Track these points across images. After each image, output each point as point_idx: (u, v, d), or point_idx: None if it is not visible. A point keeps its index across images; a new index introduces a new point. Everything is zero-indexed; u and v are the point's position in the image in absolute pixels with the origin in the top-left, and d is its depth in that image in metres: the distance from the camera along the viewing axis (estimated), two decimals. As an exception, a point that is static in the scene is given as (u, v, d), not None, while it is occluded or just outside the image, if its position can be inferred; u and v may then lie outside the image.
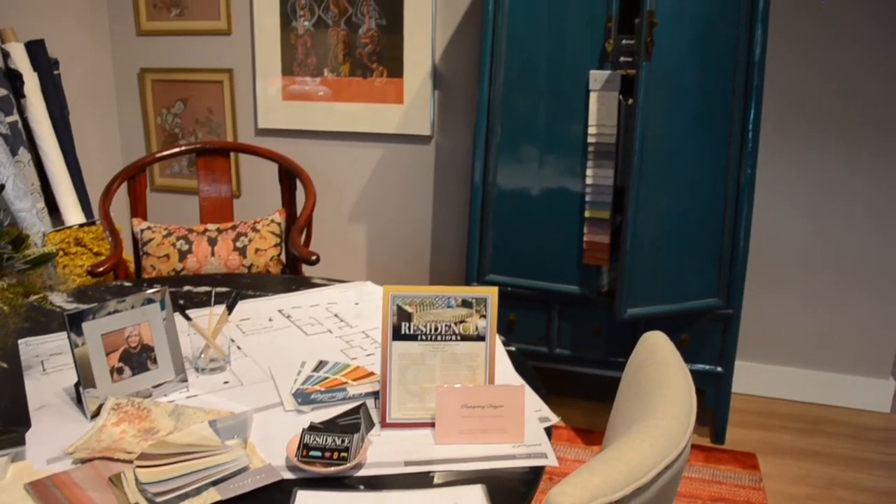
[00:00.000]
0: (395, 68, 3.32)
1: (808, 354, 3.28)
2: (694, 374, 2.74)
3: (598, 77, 2.53)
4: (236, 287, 2.11)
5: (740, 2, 2.46)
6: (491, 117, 2.69)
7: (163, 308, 1.49)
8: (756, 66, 2.47)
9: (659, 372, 1.27)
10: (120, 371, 1.42)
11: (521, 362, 1.66)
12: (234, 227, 2.70)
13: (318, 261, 2.52)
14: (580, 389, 3.33)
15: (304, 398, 1.45)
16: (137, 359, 1.45)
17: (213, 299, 1.78)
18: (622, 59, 2.53)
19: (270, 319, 1.90)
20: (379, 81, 3.36)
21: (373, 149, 3.48)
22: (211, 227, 2.70)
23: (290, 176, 2.91)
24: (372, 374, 1.56)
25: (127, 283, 2.20)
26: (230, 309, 1.66)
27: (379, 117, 3.39)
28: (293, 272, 2.76)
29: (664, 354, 1.29)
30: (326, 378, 1.54)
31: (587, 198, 2.62)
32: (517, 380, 1.57)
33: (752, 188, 2.56)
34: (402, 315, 1.38)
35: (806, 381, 3.30)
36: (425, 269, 3.56)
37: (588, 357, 2.89)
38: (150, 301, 1.47)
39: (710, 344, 2.77)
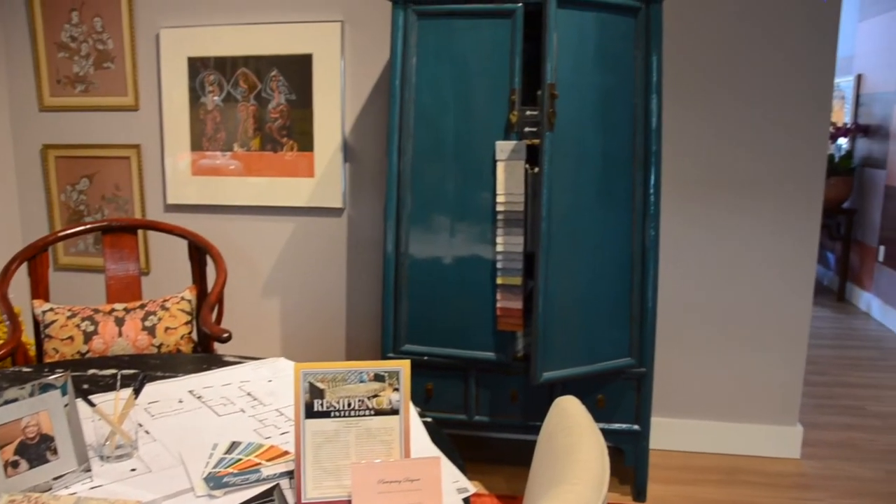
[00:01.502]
0: (305, 142, 3.35)
1: (720, 407, 3.38)
2: (612, 432, 2.82)
3: (504, 147, 2.61)
4: (145, 368, 2.04)
5: (635, 74, 2.60)
6: (401, 188, 2.72)
7: (64, 394, 1.43)
8: (654, 132, 2.60)
9: (571, 437, 1.28)
10: (15, 465, 1.35)
11: (437, 433, 1.65)
12: (142, 306, 2.63)
13: (229, 338, 2.47)
14: (501, 455, 3.32)
15: (216, 482, 1.41)
16: (35, 450, 1.38)
17: (118, 382, 1.72)
18: (527, 129, 2.62)
19: (181, 401, 1.85)
20: (290, 155, 3.37)
21: (285, 222, 3.47)
22: (118, 306, 2.62)
23: (200, 252, 2.87)
24: (287, 453, 1.52)
25: (26, 369, 2.11)
26: (137, 392, 1.61)
27: (290, 191, 3.39)
28: (205, 350, 2.70)
29: (576, 418, 1.31)
30: (239, 460, 1.50)
31: (499, 265, 2.67)
32: (434, 451, 1.56)
33: (656, 249, 2.66)
34: (315, 392, 1.36)
35: (720, 434, 3.38)
36: (341, 341, 3.53)
37: (507, 423, 2.89)
38: (50, 387, 1.41)
39: (625, 403, 2.82)
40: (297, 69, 3.32)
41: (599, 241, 2.62)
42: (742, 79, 3.11)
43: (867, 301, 6.14)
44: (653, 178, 2.61)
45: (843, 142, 6.75)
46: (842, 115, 6.84)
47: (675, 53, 3.08)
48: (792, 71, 3.09)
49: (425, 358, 2.80)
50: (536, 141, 2.57)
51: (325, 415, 1.37)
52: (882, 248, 5.97)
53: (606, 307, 2.67)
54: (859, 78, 6.59)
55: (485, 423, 2.90)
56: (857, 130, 6.45)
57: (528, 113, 2.62)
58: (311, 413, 1.36)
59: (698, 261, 3.26)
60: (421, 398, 2.85)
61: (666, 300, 3.23)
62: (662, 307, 3.21)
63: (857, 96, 6.59)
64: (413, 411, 1.69)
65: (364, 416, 1.38)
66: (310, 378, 1.36)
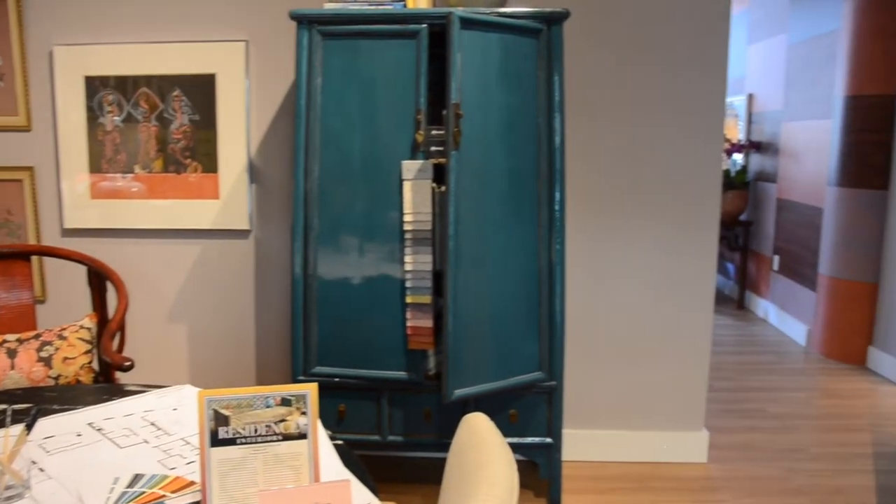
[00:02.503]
0: (209, 163, 3.28)
1: (629, 417, 3.46)
2: (525, 446, 2.85)
3: (410, 167, 2.62)
4: (39, 402, 1.95)
5: (538, 93, 2.67)
6: (308, 209, 2.70)
7: (-52, 435, 1.35)
8: (557, 150, 2.66)
9: (480, 453, 1.30)
10: None
11: (348, 455, 1.64)
12: (37, 336, 2.52)
13: (132, 366, 2.39)
14: (417, 474, 3.31)
15: (116, 518, 1.36)
16: (-83, 496, 1.30)
17: (8, 418, 1.64)
18: (433, 148, 2.65)
19: (79, 434, 1.77)
20: (194, 177, 3.30)
21: (190, 245, 3.38)
22: (10, 337, 2.50)
23: (99, 278, 2.77)
24: (193, 483, 1.48)
25: None
26: (29, 427, 1.54)
27: (195, 213, 3.32)
28: (107, 380, 2.60)
29: (484, 435, 1.32)
30: (143, 493, 1.45)
31: (408, 283, 2.67)
32: (345, 474, 1.55)
33: (563, 263, 2.72)
34: (220, 419, 1.33)
35: (631, 442, 3.47)
36: (251, 365, 3.46)
37: (421, 441, 2.89)
38: (-69, 429, 1.34)
39: (538, 416, 2.86)
40: (201, 89, 3.25)
41: (507, 257, 2.66)
42: (642, 99, 3.23)
43: (765, 308, 6.43)
44: (558, 194, 2.68)
45: (738, 157, 7.06)
46: (736, 132, 7.16)
47: (578, 73, 3.17)
48: (687, 91, 3.23)
49: (337, 380, 2.78)
50: (443, 160, 2.60)
51: (230, 442, 1.34)
52: (776, 258, 6.27)
53: (516, 322, 2.71)
54: (751, 97, 6.92)
55: (399, 442, 2.89)
56: (751, 147, 6.77)
57: (433, 132, 2.65)
58: (216, 441, 1.33)
59: (604, 274, 3.35)
60: (333, 420, 2.82)
61: (574, 313, 3.30)
62: (571, 320, 3.28)
63: (750, 114, 6.92)
64: (323, 434, 1.67)
65: (271, 441, 1.36)
66: (214, 405, 1.33)
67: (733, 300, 7.02)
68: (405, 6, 2.78)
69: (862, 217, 5.00)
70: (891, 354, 4.85)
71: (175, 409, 1.93)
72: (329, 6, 2.75)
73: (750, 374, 4.87)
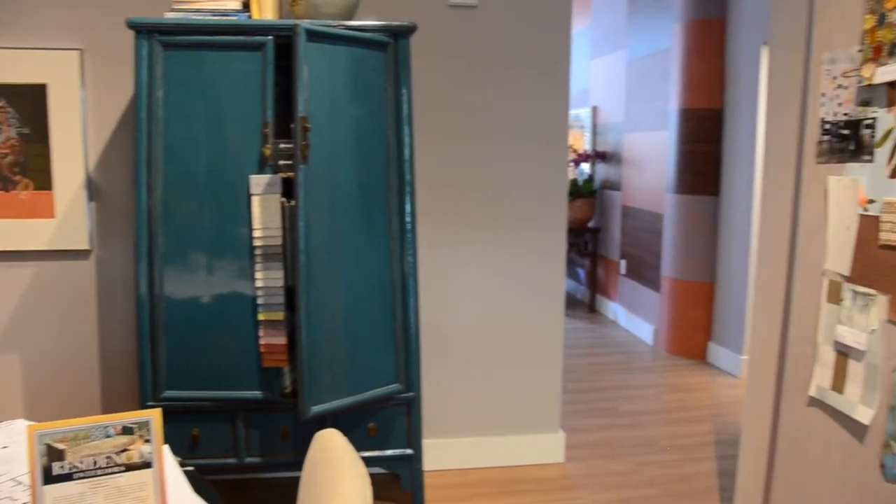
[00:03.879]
0: (42, 180, 3.08)
1: (488, 423, 3.52)
2: (386, 459, 2.84)
3: (258, 181, 2.57)
4: None
5: (387, 106, 2.68)
6: (152, 226, 2.59)
7: None
8: (407, 162, 2.68)
9: (333, 470, 1.28)
10: None
11: (199, 481, 1.57)
12: None
13: (-44, 402, 2.20)
14: (277, 495, 3.23)
15: (-68, 571, 1.24)
16: None
17: None
18: (282, 162, 2.60)
19: None
20: (25, 195, 3.08)
21: (22, 268, 3.16)
22: None
23: (-84, 308, 2.53)
24: (23, 525, 1.38)
25: None
26: None
27: (27, 233, 3.10)
28: (-73, 419, 2.38)
29: (337, 451, 1.31)
30: (-36, 541, 1.33)
31: (259, 300, 2.61)
32: (196, 501, 1.48)
33: (415, 275, 2.73)
34: (53, 454, 1.25)
35: (491, 448, 3.53)
36: (95, 394, 3.26)
37: (280, 461, 2.82)
38: None
39: (397, 428, 2.86)
40: (30, 100, 3.05)
41: (360, 271, 2.65)
42: (489, 111, 3.31)
43: (614, 310, 6.73)
44: (408, 205, 2.69)
45: (585, 167, 7.37)
46: (583, 142, 7.48)
47: (427, 86, 3.21)
48: (532, 103, 3.34)
49: (189, 403, 2.67)
50: (291, 174, 2.56)
51: (67, 478, 1.26)
52: (623, 262, 6.58)
53: (371, 335, 2.70)
54: (595, 109, 7.24)
55: (257, 464, 2.81)
56: (597, 156, 7.09)
57: (282, 146, 2.60)
58: (50, 478, 1.24)
59: (456, 284, 3.40)
60: (186, 446, 2.71)
61: (429, 324, 3.33)
62: (426, 331, 3.31)
63: (595, 126, 7.25)
64: (171, 462, 1.60)
65: (113, 473, 1.29)
66: (46, 439, 1.25)
67: (585, 304, 7.31)
68: (250, 17, 2.72)
69: (698, 221, 5.33)
70: (727, 348, 5.19)
71: (5, 447, 1.79)
72: (170, 15, 2.65)
73: (602, 375, 5.08)
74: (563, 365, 3.58)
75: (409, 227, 2.70)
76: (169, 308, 2.62)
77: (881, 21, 1.96)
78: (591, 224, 7.17)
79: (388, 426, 2.85)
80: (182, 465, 1.65)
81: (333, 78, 2.55)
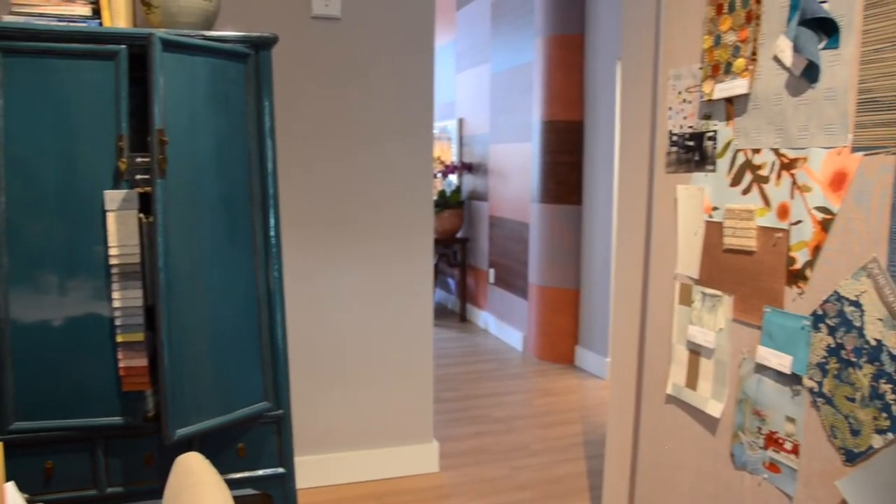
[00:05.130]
0: None
1: (362, 436, 3.50)
2: (257, 479, 2.76)
3: (113, 197, 2.45)
4: None
5: (248, 119, 2.62)
6: (-5, 246, 2.42)
7: None
8: (270, 175, 2.63)
9: (196, 496, 1.23)
10: None
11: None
12: None
13: None
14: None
15: None
16: None
17: None
18: (139, 177, 2.49)
19: None
20: None
21: None
22: None
23: None
24: None
25: None
26: None
27: None
28: None
29: (199, 475, 1.26)
30: None
31: (118, 321, 2.49)
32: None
33: (281, 290, 2.68)
34: None
35: (364, 461, 3.50)
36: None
37: (145, 489, 2.69)
38: None
39: (267, 447, 2.79)
40: None
41: (224, 287, 2.57)
42: (354, 124, 3.31)
43: (485, 319, 6.85)
44: (272, 219, 2.64)
45: (453, 178, 7.48)
46: (450, 154, 7.59)
47: (290, 99, 3.18)
48: (397, 116, 3.36)
49: (41, 434, 2.50)
50: (149, 189, 2.46)
51: None
52: (492, 271, 6.72)
53: (237, 353, 2.63)
54: (461, 121, 7.37)
55: (119, 493, 2.66)
56: (463, 168, 7.21)
57: (139, 160, 2.50)
58: None
59: (323, 297, 3.37)
60: (39, 480, 2.54)
61: (297, 339, 3.29)
62: (294, 346, 3.26)
63: (461, 137, 7.37)
64: (15, 500, 1.49)
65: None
66: None
67: (455, 313, 7.40)
68: (101, 24, 2.60)
69: (562, 230, 5.52)
70: (593, 352, 5.39)
71: None
72: (9, 19, 2.49)
73: (474, 383, 5.16)
74: (434, 374, 3.62)
75: (273, 241, 2.65)
76: (15, 333, 2.45)
77: (717, 42, 2.10)
78: (459, 234, 7.28)
79: (258, 445, 2.78)
80: (31, 502, 1.54)
81: (192, 89, 2.48)
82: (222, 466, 2.71)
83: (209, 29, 2.73)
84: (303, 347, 3.33)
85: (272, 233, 2.65)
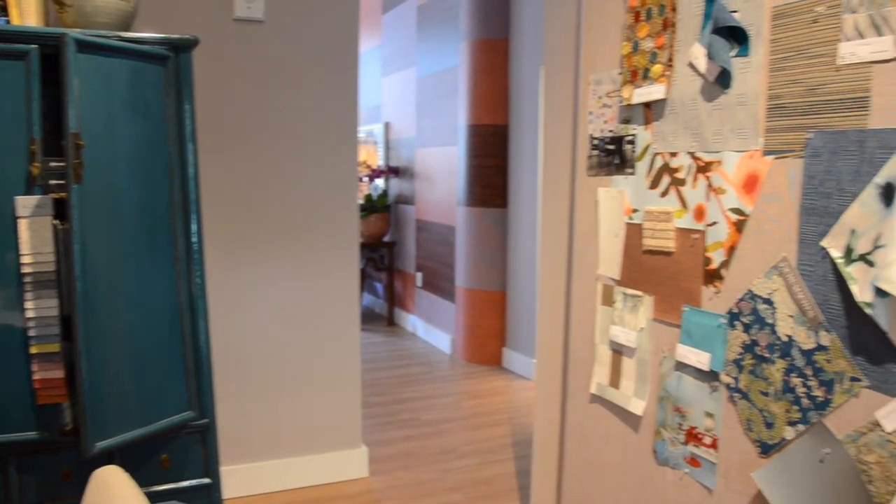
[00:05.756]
0: None
1: (290, 444, 3.46)
2: (182, 491, 2.70)
3: (25, 203, 2.36)
4: None
5: (168, 123, 2.56)
6: None
7: None
8: (191, 180, 2.58)
9: (116, 509, 1.20)
10: None
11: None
12: None
13: None
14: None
15: None
16: None
17: None
18: (53, 182, 2.41)
19: None
20: None
21: None
22: None
23: None
24: None
25: None
26: None
27: None
28: None
29: (116, 489, 1.23)
30: None
31: (31, 332, 2.39)
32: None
33: (204, 297, 2.63)
34: None
35: (293, 469, 3.46)
36: None
37: (62, 506, 2.60)
38: None
39: (192, 458, 2.73)
40: None
41: (144, 295, 2.51)
42: (278, 128, 3.27)
43: (413, 323, 6.85)
44: (194, 225, 2.59)
45: (379, 182, 7.46)
46: (376, 158, 7.57)
47: (211, 103, 3.12)
48: (321, 120, 3.34)
49: (-52, 451, 2.39)
50: (64, 194, 2.38)
51: None
52: (419, 275, 6.73)
53: (160, 362, 2.56)
54: (387, 125, 7.36)
55: (34, 511, 2.57)
56: (390, 172, 7.20)
57: (53, 164, 2.41)
58: None
59: (248, 304, 3.32)
60: (-53, 500, 2.43)
61: (222, 347, 3.23)
62: (219, 354, 3.20)
63: (387, 141, 7.36)
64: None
65: None
66: None
67: (384, 317, 7.38)
68: (9, 23, 2.50)
69: (488, 233, 5.57)
70: (520, 353, 5.46)
71: None
72: (-90, 20, 2.38)
73: (403, 387, 5.15)
74: (363, 379, 3.61)
75: (195, 247, 2.60)
76: (-80, 347, 2.34)
77: (635, 48, 2.16)
78: (386, 238, 7.27)
79: (183, 456, 2.71)
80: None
81: (109, 92, 2.40)
82: (145, 479, 2.64)
83: (126, 30, 2.66)
84: (228, 355, 3.27)
85: (194, 239, 2.59)
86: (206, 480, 2.75)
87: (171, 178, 2.57)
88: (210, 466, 2.74)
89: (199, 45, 2.87)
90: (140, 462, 2.63)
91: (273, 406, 3.41)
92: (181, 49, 2.58)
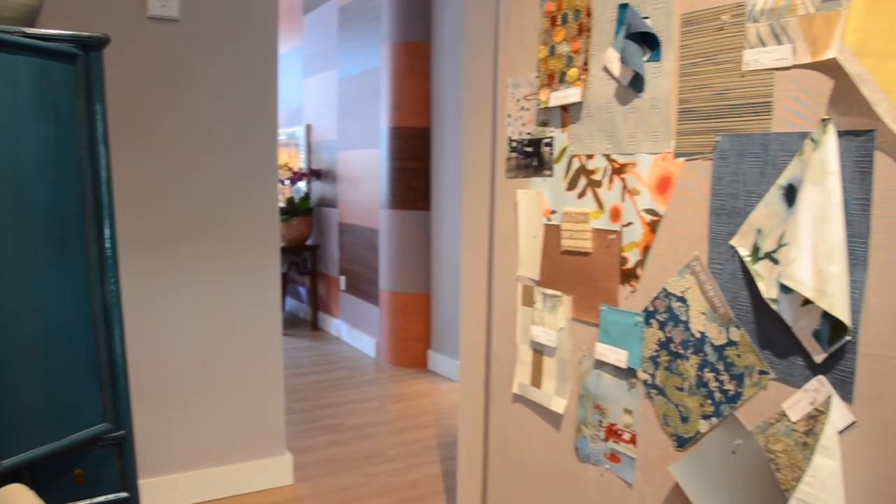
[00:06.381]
0: None
1: (211, 453, 3.38)
2: (95, 507, 2.61)
3: (-77, 208, 2.24)
4: None
5: (78, 125, 2.47)
6: None
7: None
8: (104, 184, 2.49)
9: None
10: None
11: None
12: None
13: None
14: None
15: None
16: None
17: None
18: (-47, 186, 2.30)
19: None
20: None
21: None
22: None
23: None
24: None
25: None
26: None
27: None
28: None
29: (24, 506, 1.18)
30: None
31: (-69, 345, 2.28)
32: None
33: (119, 305, 2.55)
34: None
35: (216, 479, 3.39)
36: None
37: (-33, 525, 2.48)
38: None
39: (108, 472, 2.64)
40: None
41: (55, 304, 2.41)
42: (195, 131, 3.19)
43: (337, 327, 6.80)
44: (107, 230, 2.51)
45: (301, 185, 7.38)
46: (298, 160, 7.48)
47: (126, 104, 3.03)
48: (240, 122, 3.28)
49: None
50: (-34, 199, 2.27)
51: None
52: (343, 278, 6.68)
53: (73, 373, 2.47)
54: (309, 127, 7.29)
55: (-64, 533, 2.44)
56: (312, 174, 7.13)
57: (-48, 168, 2.30)
58: None
59: (168, 312, 3.23)
60: None
61: (139, 356, 3.14)
62: (136, 364, 3.11)
63: (309, 144, 7.29)
64: None
65: None
66: None
67: (307, 322, 7.30)
68: None
69: (411, 235, 5.57)
70: (445, 355, 5.48)
71: None
72: None
73: (327, 391, 5.11)
74: (286, 385, 3.56)
75: (109, 253, 2.51)
76: None
77: (552, 52, 2.20)
78: (309, 242, 7.19)
79: (98, 470, 2.62)
80: None
81: (13, 91, 2.31)
82: (58, 496, 2.54)
83: (31, 25, 2.56)
84: (146, 364, 3.18)
85: (107, 244, 2.51)
86: (124, 495, 2.66)
87: (82, 182, 2.48)
88: (128, 480, 2.66)
89: (111, 44, 2.77)
90: (51, 478, 2.53)
91: (193, 415, 3.33)
92: (91, 47, 2.49)
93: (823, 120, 1.47)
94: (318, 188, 7.11)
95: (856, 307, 1.45)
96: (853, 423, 1.46)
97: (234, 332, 3.37)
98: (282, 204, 6.91)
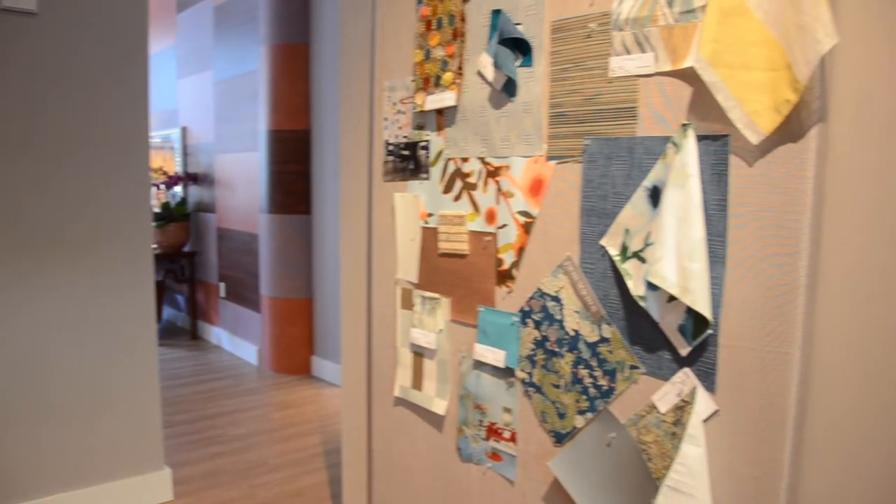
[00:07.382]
0: None
1: (85, 472, 3.21)
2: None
3: None
4: None
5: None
6: None
7: None
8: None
9: None
10: None
11: None
12: None
13: None
14: None
15: None
16: None
17: None
18: None
19: None
20: None
21: None
22: None
23: None
24: None
25: None
26: None
27: None
28: None
29: None
30: None
31: None
32: None
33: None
34: None
35: (90, 499, 3.22)
36: None
37: None
38: None
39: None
40: None
41: None
42: (59, 134, 3.01)
43: (218, 335, 6.61)
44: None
45: (178, 189, 7.13)
46: (174, 164, 7.23)
47: (-24, 104, 2.84)
48: (108, 123, 3.13)
49: None
50: None
51: None
52: (223, 285, 6.50)
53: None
54: (185, 130, 7.05)
55: None
56: (188, 178, 6.90)
57: None
58: None
59: (30, 324, 3.04)
60: None
61: (4, 373, 2.94)
62: (2, 381, 2.92)
63: (185, 147, 7.05)
64: None
65: None
66: None
67: (187, 331, 7.06)
68: None
69: (292, 240, 5.48)
70: (329, 360, 5.42)
71: None
72: None
73: (209, 402, 4.95)
74: (164, 397, 3.43)
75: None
76: None
77: (428, 56, 2.21)
78: (186, 248, 6.96)
79: (-49, 498, 2.44)
80: None
81: None
82: None
83: None
84: (11, 381, 2.97)
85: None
86: (-19, 522, 2.50)
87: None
88: (-15, 506, 2.50)
89: (-41, 42, 2.59)
90: None
91: (64, 433, 3.15)
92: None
93: (684, 125, 1.54)
94: (196, 193, 6.89)
95: (716, 301, 1.52)
96: (716, 411, 1.54)
97: (106, 344, 3.21)
98: (157, 209, 6.65)
